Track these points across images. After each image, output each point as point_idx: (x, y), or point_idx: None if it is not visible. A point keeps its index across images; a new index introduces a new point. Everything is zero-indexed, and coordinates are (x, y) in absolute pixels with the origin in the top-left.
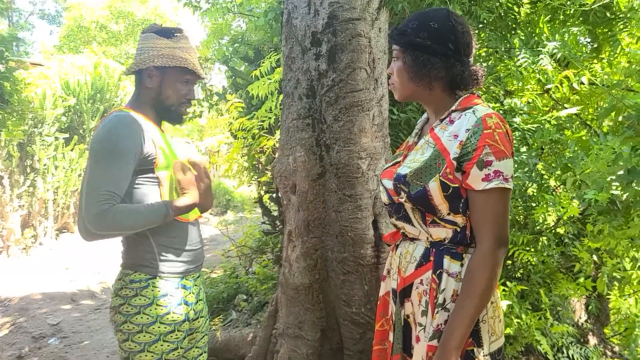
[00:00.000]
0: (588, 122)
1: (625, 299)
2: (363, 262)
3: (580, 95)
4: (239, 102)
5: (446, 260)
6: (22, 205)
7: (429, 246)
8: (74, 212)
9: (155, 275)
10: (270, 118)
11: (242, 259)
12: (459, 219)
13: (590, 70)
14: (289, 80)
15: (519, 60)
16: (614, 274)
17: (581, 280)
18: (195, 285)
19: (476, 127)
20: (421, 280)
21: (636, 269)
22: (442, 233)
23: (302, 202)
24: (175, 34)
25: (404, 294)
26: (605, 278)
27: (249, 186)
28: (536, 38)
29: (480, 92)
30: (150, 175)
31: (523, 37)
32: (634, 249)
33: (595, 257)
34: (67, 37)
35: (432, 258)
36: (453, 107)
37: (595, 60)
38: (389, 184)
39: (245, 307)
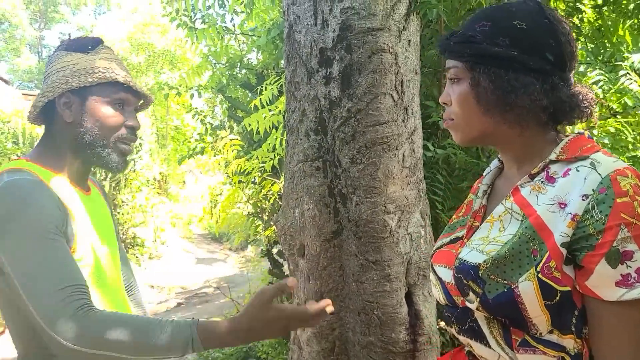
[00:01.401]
0: None
1: None
2: (395, 349)
3: None
4: (236, 139)
5: None
6: None
7: None
8: None
9: None
10: (273, 159)
11: None
12: (570, 342)
13: None
14: (293, 111)
15: (592, 78)
16: None
17: None
18: None
19: (602, 193)
20: None
21: None
22: None
23: (313, 268)
24: (94, 46)
25: None
26: None
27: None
28: (610, 49)
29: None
30: None
31: (590, 49)
32: None
33: None
34: None
35: None
36: (552, 156)
37: None
38: (446, 274)
39: None
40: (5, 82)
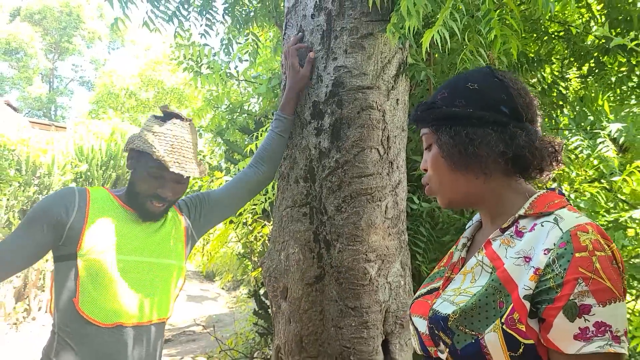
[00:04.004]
0: None
1: None
2: None
3: None
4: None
5: None
6: (18, 275)
7: None
8: None
9: None
10: (264, 202)
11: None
12: None
13: None
14: (284, 158)
15: (572, 143)
16: None
17: None
18: None
19: (562, 248)
20: None
21: None
22: None
23: (294, 311)
24: (167, 120)
25: None
26: None
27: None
28: (591, 117)
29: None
30: (71, 262)
31: (573, 116)
32: None
33: None
34: (97, 103)
35: None
36: (521, 211)
37: None
38: (422, 325)
39: None
40: (15, 109)
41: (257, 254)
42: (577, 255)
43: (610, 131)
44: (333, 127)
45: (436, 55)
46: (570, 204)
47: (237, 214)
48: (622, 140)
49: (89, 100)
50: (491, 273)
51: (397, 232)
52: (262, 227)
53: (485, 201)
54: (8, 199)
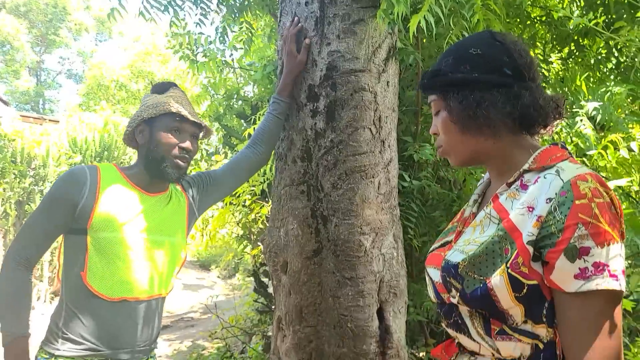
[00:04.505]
0: (633, 197)
1: None
2: None
3: (625, 165)
4: None
5: None
6: None
7: None
8: None
9: (52, 354)
10: (262, 183)
11: (240, 336)
12: (542, 331)
13: (628, 134)
14: (282, 140)
15: None
16: None
17: None
18: None
19: (563, 196)
20: None
21: None
22: (516, 349)
23: (294, 283)
24: (168, 88)
25: None
26: None
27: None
28: (571, 98)
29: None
30: (81, 236)
31: None
32: None
33: None
34: (87, 95)
35: None
36: (526, 166)
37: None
38: (435, 274)
39: None
40: (5, 103)
41: (256, 234)
42: (577, 202)
43: (588, 110)
44: (328, 109)
45: (424, 40)
46: (572, 157)
47: (237, 195)
48: (599, 118)
49: (79, 93)
50: (498, 224)
51: (389, 206)
52: (261, 207)
53: (494, 159)
54: (4, 190)
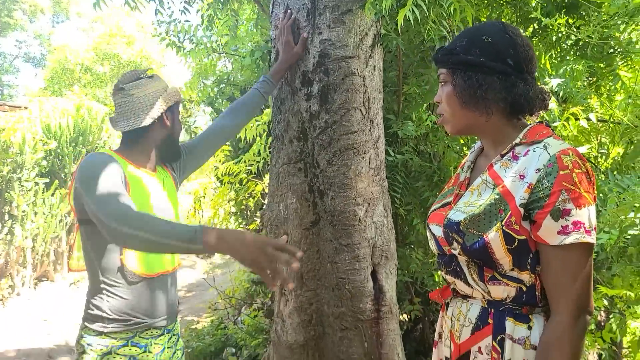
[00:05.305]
0: (592, 161)
1: None
2: (362, 317)
3: (585, 133)
4: (225, 145)
5: (509, 324)
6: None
7: (485, 306)
8: (54, 259)
9: (100, 332)
10: (258, 162)
11: (230, 310)
12: (526, 277)
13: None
14: (278, 122)
15: None
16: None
17: (592, 327)
18: (157, 343)
19: (549, 167)
20: (479, 347)
21: None
22: (503, 291)
23: None
24: (152, 75)
25: None
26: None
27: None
28: (537, 74)
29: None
30: None
31: None
32: None
33: (605, 301)
34: (51, 80)
35: (490, 320)
36: (517, 140)
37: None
38: (438, 230)
39: None
40: None
41: (251, 210)
42: (561, 172)
43: (552, 86)
44: (321, 93)
45: (404, 26)
46: (555, 134)
47: (234, 174)
48: (561, 93)
49: (44, 78)
50: (493, 189)
51: (379, 179)
52: (256, 185)
53: (487, 133)
54: None
